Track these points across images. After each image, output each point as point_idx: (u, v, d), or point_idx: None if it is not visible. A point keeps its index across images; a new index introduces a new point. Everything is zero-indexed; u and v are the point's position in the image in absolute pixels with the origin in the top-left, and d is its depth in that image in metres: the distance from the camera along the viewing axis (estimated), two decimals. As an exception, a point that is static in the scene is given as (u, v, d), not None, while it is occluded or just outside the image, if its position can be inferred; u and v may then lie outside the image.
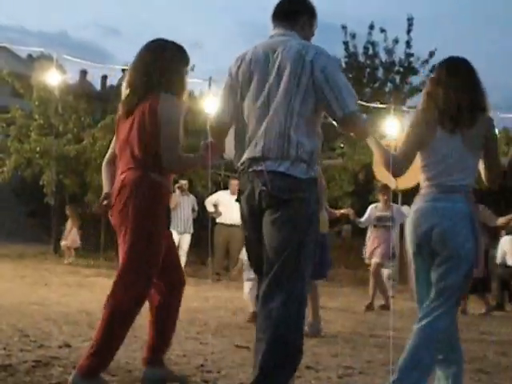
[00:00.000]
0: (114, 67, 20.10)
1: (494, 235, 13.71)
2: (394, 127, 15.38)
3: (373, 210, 12.10)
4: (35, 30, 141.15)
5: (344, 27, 25.76)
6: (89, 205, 21.28)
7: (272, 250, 4.05)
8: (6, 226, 15.66)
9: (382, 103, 17.35)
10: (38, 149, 18.39)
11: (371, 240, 12.09)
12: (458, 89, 4.42)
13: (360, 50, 25.88)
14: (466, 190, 4.39)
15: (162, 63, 4.60)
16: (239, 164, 4.21)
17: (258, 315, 4.13)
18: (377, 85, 25.89)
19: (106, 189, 4.72)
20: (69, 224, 18.04)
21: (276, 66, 4.11)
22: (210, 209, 14.38)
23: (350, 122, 4.10)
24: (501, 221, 11.21)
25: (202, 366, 5.71)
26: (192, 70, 20.53)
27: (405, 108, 19.90)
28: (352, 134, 4.36)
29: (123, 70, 20.56)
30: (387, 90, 25.70)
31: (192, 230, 15.73)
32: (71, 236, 17.88)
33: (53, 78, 15.59)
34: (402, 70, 25.62)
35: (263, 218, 4.10)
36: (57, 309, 8.81)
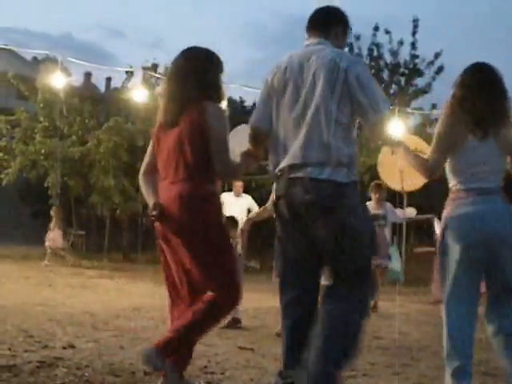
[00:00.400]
0: (118, 69, 20.08)
1: None
2: (398, 129, 15.36)
3: None
4: (39, 32, 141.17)
5: (349, 29, 25.79)
6: (93, 206, 21.32)
7: (331, 256, 4.13)
8: (11, 227, 15.67)
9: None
10: (42, 151, 18.43)
11: None
12: (489, 95, 4.43)
13: (364, 52, 25.88)
14: (500, 190, 4.43)
15: (203, 72, 4.55)
16: (277, 170, 4.22)
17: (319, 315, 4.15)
18: (382, 86, 25.83)
19: (151, 199, 4.65)
20: (52, 224, 17.75)
21: (311, 74, 4.14)
22: None
23: (382, 126, 4.15)
24: None
25: (205, 367, 5.71)
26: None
27: (409, 110, 19.91)
28: (380, 140, 4.42)
29: (127, 72, 20.66)
30: (392, 91, 25.65)
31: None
32: (53, 236, 17.60)
33: (57, 81, 15.61)
34: (406, 71, 25.59)
35: (308, 225, 4.11)
36: (61, 310, 8.82)
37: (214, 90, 4.57)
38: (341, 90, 4.07)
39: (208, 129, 4.36)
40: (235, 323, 8.26)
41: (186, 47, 4.72)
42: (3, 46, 19.90)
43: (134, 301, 10.45)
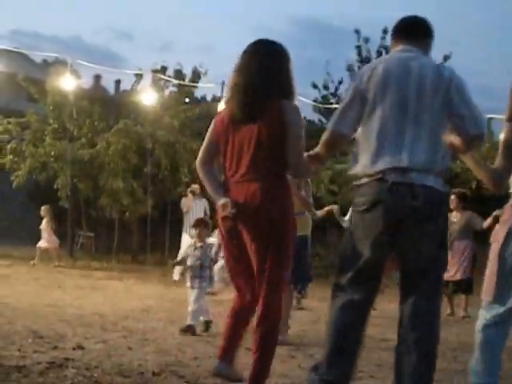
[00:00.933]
0: (128, 72, 20.15)
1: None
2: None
3: None
4: (49, 35, 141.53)
5: (357, 31, 25.73)
6: (102, 208, 21.36)
7: (419, 263, 4.14)
8: (20, 228, 15.71)
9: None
10: (52, 153, 18.49)
11: None
12: None
13: (373, 55, 25.80)
14: None
15: (280, 68, 4.51)
16: (372, 171, 4.13)
17: (405, 322, 4.24)
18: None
19: (217, 193, 4.53)
20: (43, 224, 17.52)
21: (415, 81, 4.14)
22: None
23: (479, 141, 4.21)
24: (486, 223, 11.22)
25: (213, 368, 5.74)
26: (205, 74, 20.62)
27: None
28: (462, 152, 4.33)
29: (136, 75, 20.71)
30: (401, 94, 25.60)
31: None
32: (46, 236, 17.35)
33: (67, 83, 15.71)
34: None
35: (406, 231, 4.08)
36: (70, 311, 8.86)
37: (290, 87, 4.53)
38: (443, 99, 4.09)
39: (286, 127, 4.33)
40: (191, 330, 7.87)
41: (258, 39, 4.67)
42: (13, 49, 20.00)
43: (142, 302, 10.49)
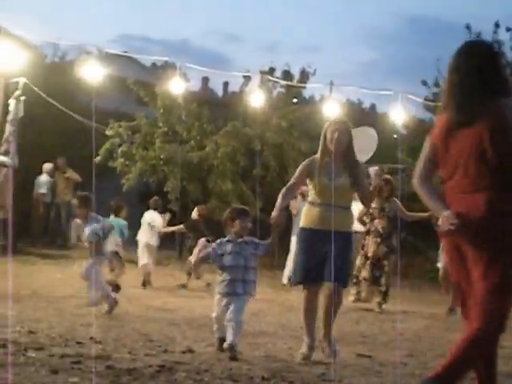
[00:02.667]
0: (236, 74, 20.17)
1: None
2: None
3: None
4: (158, 39, 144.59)
5: (468, 27, 25.11)
6: (212, 211, 21.47)
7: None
8: (132, 232, 15.93)
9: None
10: (162, 156, 18.66)
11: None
12: None
13: (486, 50, 25.14)
14: None
15: (493, 65, 4.30)
16: None
17: None
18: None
19: (440, 207, 4.23)
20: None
21: None
22: None
23: None
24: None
25: (323, 374, 5.65)
26: (313, 74, 20.49)
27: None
28: None
29: (244, 77, 20.74)
30: (515, 89, 24.86)
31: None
32: None
33: (176, 86, 15.82)
34: (529, 70, 24.77)
35: None
36: (180, 314, 8.90)
37: (507, 86, 4.29)
38: None
39: (510, 128, 4.03)
40: None
41: (469, 41, 4.62)
42: (123, 53, 20.30)
43: (251, 306, 10.37)
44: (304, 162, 7.00)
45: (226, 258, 6.54)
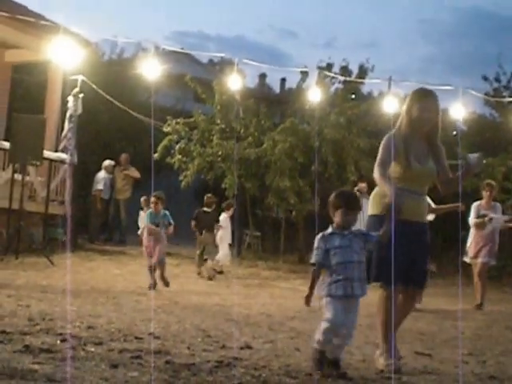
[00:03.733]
0: (293, 69, 20.12)
1: None
2: None
3: (477, 208, 11.76)
4: (214, 35, 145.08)
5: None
6: (269, 207, 21.46)
7: None
8: (189, 228, 15.97)
9: None
10: (219, 152, 18.69)
11: (475, 239, 11.75)
12: None
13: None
14: None
15: None
16: None
17: None
18: None
19: None
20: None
21: None
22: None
23: None
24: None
25: (381, 371, 5.58)
26: (371, 70, 20.34)
27: None
28: None
29: (302, 72, 20.66)
30: None
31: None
32: None
33: (233, 83, 15.84)
34: None
35: None
36: (238, 310, 8.88)
37: None
38: None
39: None
40: None
41: None
42: (180, 50, 20.41)
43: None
44: (389, 139, 5.93)
45: (335, 253, 5.37)
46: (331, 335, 5.30)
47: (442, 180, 6.11)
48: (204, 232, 14.09)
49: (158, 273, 10.51)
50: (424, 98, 6.00)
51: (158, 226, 10.60)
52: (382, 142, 5.95)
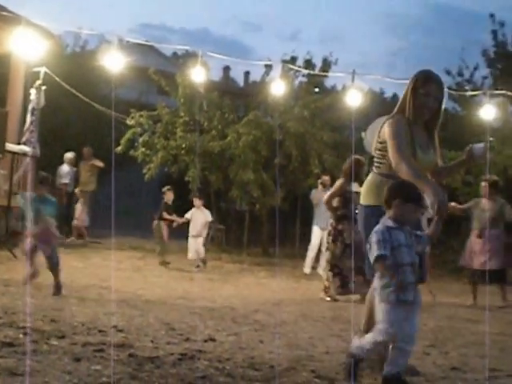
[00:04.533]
0: (257, 63, 20.07)
1: None
2: None
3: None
4: (177, 28, 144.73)
5: (492, 15, 24.84)
6: (232, 200, 21.45)
7: None
8: (152, 221, 15.95)
9: (533, 93, 16.61)
10: (183, 145, 18.64)
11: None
12: None
13: (509, 39, 24.82)
14: None
15: None
16: None
17: None
18: (526, 75, 24.72)
19: None
20: (78, 204, 18.15)
21: None
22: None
23: None
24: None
25: (344, 363, 5.61)
26: (335, 63, 20.40)
27: None
28: None
29: (266, 66, 20.67)
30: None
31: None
32: (79, 215, 17.96)
33: (197, 75, 15.78)
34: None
35: None
36: (202, 303, 8.89)
37: None
38: None
39: None
40: None
41: None
42: (144, 42, 20.32)
43: (273, 295, 10.42)
44: (398, 123, 5.41)
45: (401, 251, 4.67)
46: (383, 347, 4.81)
47: (436, 170, 5.70)
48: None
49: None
50: (427, 83, 5.51)
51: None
52: (390, 127, 5.38)
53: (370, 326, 5.19)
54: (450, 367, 5.70)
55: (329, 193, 11.01)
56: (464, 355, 6.49)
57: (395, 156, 5.20)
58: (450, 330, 8.22)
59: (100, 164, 18.85)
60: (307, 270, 14.88)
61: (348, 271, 10.45)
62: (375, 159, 5.58)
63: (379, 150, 5.49)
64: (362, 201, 5.55)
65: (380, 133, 5.48)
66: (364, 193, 5.57)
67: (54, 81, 16.40)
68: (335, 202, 10.72)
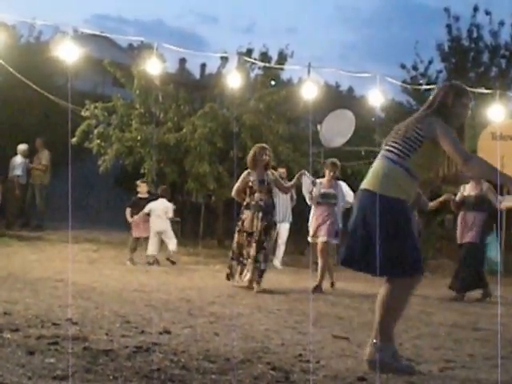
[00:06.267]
0: (213, 55, 20.02)
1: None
2: (499, 113, 15.04)
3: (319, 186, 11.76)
4: (132, 19, 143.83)
5: (447, 10, 25.05)
6: (188, 193, 21.41)
7: None
8: (109, 214, 15.79)
9: (487, 88, 16.80)
10: (139, 137, 18.54)
11: (315, 217, 11.73)
12: None
13: (464, 34, 25.08)
14: None
15: None
16: None
17: None
18: (481, 69, 24.93)
19: None
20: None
21: None
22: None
23: None
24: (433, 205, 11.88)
25: (300, 355, 5.67)
26: (291, 56, 20.42)
27: (511, 94, 19.32)
28: None
29: (222, 58, 20.63)
30: (492, 74, 24.85)
31: (291, 219, 15.73)
32: None
33: (153, 67, 15.70)
34: (507, 53, 24.77)
35: None
36: (157, 296, 8.88)
37: None
38: None
39: None
40: None
41: None
42: (100, 33, 20.17)
43: (229, 288, 10.44)
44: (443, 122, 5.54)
45: None
46: None
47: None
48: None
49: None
50: (467, 95, 5.74)
51: None
52: (442, 126, 5.45)
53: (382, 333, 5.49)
54: (405, 359, 5.75)
55: (235, 187, 11.18)
56: (418, 347, 6.57)
57: (462, 153, 5.34)
58: (404, 322, 8.28)
59: (39, 167, 18.76)
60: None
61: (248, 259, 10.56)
62: (396, 148, 5.54)
63: (413, 142, 5.47)
64: (383, 191, 5.42)
65: (422, 127, 5.51)
66: (385, 182, 5.47)
67: (8, 72, 16.23)
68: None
